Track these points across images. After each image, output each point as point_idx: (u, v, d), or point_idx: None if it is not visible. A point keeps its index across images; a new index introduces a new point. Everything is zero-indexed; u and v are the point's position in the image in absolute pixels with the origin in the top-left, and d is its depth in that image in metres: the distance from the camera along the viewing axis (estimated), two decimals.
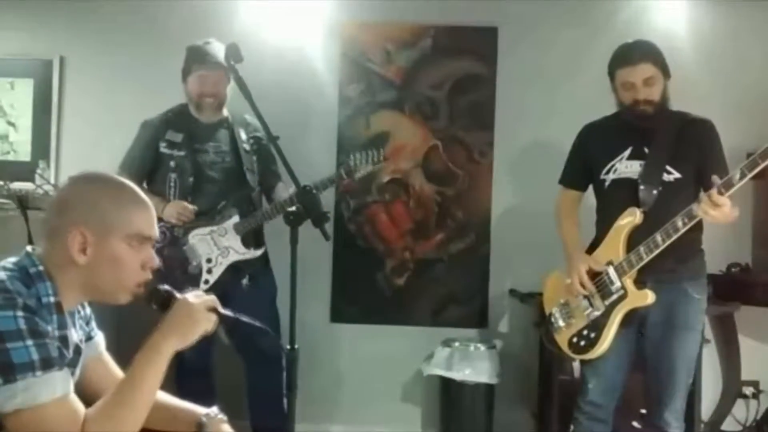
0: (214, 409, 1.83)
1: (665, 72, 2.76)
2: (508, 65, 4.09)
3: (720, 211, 2.47)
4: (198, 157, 3.33)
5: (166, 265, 3.23)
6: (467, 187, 4.12)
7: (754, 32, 4.06)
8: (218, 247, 3.26)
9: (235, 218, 3.27)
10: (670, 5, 4.02)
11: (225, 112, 3.43)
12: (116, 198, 1.65)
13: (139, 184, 3.37)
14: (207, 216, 3.29)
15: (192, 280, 3.22)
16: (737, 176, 2.44)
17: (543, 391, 3.86)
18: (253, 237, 3.35)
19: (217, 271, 3.26)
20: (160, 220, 3.28)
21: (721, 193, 2.45)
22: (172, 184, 3.32)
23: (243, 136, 3.40)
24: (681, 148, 2.75)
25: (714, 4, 4.03)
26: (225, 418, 1.83)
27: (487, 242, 4.13)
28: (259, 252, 3.34)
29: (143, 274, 1.67)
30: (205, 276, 3.26)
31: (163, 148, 3.34)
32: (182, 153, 3.32)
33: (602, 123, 2.95)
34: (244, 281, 3.33)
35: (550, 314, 2.95)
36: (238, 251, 3.28)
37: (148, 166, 3.38)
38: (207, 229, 3.27)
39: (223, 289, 3.07)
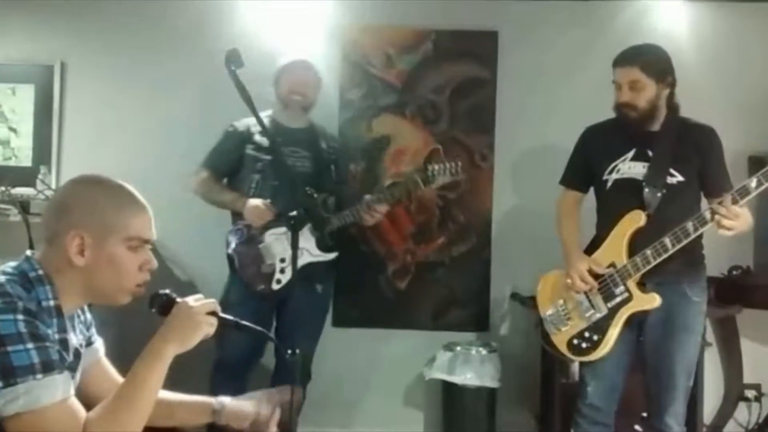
0: (224, 398, 1.86)
1: (659, 79, 2.73)
2: (509, 68, 4.09)
3: (740, 221, 2.48)
4: (282, 162, 3.34)
5: (241, 262, 3.31)
6: (468, 190, 4.11)
7: (756, 34, 4.05)
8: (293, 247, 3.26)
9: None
10: (670, 7, 4.01)
11: (310, 119, 3.55)
12: (114, 200, 1.65)
13: (220, 181, 3.47)
14: (284, 217, 3.29)
15: (265, 279, 3.25)
16: (753, 184, 2.43)
17: (545, 394, 3.85)
18: (327, 240, 3.38)
19: (290, 272, 3.23)
20: (239, 216, 3.34)
21: (735, 202, 2.44)
22: (254, 185, 3.39)
23: (323, 144, 3.53)
24: (683, 152, 2.75)
25: (715, 6, 4.03)
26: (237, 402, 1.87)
27: (488, 245, 4.12)
28: (331, 256, 3.37)
29: (142, 276, 1.68)
30: (277, 275, 3.27)
31: (250, 150, 3.41)
32: (268, 157, 3.36)
33: (605, 124, 2.95)
34: (319, 286, 3.42)
35: (546, 315, 2.94)
36: (312, 253, 3.28)
37: (232, 167, 3.47)
38: (283, 229, 3.21)
39: (293, 290, 3.16)
